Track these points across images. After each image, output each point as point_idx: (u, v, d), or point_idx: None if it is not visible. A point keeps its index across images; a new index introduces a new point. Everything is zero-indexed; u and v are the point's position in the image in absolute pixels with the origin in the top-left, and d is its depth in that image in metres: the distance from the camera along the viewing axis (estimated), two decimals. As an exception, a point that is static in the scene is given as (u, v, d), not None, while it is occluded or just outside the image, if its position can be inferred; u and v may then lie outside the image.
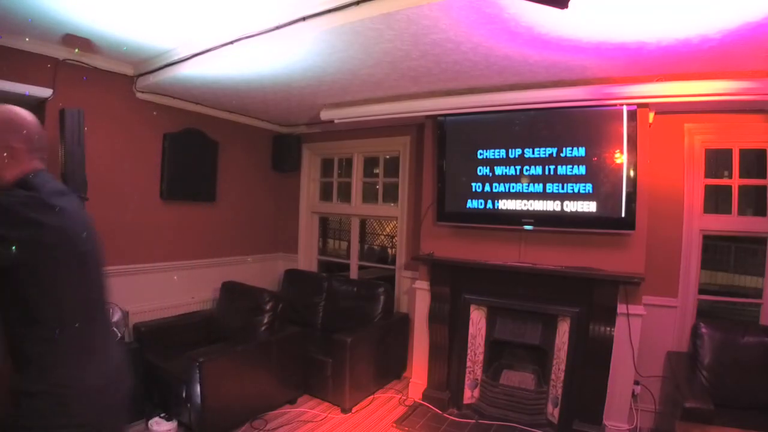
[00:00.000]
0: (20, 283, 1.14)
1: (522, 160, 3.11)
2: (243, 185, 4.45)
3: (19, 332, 1.15)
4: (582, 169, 2.91)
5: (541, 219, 3.03)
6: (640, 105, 2.74)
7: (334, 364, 3.28)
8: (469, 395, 3.38)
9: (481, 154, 3.24)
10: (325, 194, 4.98)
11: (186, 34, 2.60)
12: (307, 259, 4.91)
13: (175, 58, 2.85)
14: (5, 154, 1.23)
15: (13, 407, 1.13)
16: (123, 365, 1.45)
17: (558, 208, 2.98)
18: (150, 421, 2.75)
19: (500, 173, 3.18)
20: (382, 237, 7.40)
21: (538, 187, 3.05)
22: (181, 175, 3.71)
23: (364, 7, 1.98)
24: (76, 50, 2.89)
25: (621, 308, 2.85)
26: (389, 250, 6.75)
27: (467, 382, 3.38)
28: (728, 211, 3.04)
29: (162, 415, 2.80)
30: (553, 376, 3.11)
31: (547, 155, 3.02)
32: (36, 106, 3.03)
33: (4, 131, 1.24)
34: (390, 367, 3.86)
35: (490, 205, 3.21)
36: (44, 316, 1.17)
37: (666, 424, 2.81)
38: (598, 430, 2.84)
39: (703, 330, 2.82)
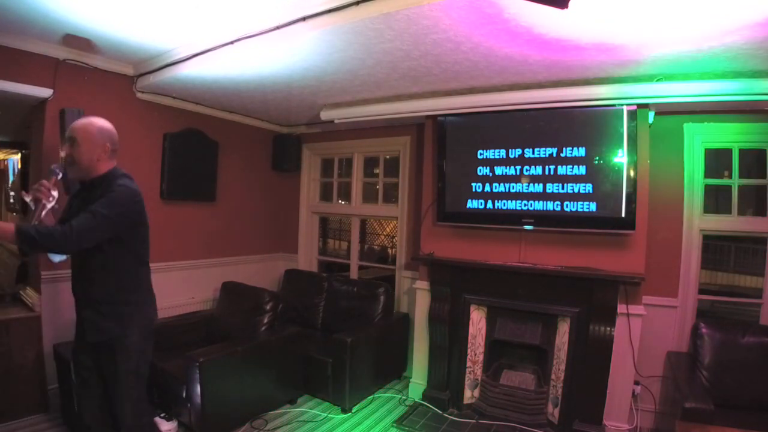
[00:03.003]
0: (134, 237, 1.92)
1: (522, 160, 3.10)
2: (243, 185, 4.45)
3: (125, 267, 1.91)
4: (582, 169, 2.91)
5: (542, 219, 3.03)
6: (640, 105, 2.74)
7: (334, 364, 3.27)
8: (469, 395, 3.38)
9: (481, 154, 3.24)
10: (325, 194, 4.98)
11: (186, 34, 2.60)
12: (307, 259, 4.91)
13: (175, 58, 2.85)
14: (103, 154, 1.88)
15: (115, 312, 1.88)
16: None
17: (558, 208, 2.98)
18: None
19: (500, 173, 3.18)
20: (382, 237, 7.40)
21: (538, 187, 3.04)
22: (181, 175, 3.71)
23: (364, 7, 1.98)
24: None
25: (621, 308, 2.85)
26: (389, 250, 6.75)
27: (467, 382, 3.38)
28: (728, 211, 3.04)
29: (162, 415, 2.80)
30: (553, 376, 3.11)
31: (547, 155, 3.02)
32: (36, 106, 3.04)
33: (102, 136, 1.89)
34: (390, 367, 3.86)
35: (490, 205, 3.21)
36: (142, 259, 1.98)
37: (666, 424, 2.81)
38: (598, 430, 2.84)
39: (703, 330, 2.82)
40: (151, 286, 2.06)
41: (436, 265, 3.43)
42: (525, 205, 3.09)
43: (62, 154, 1.87)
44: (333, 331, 3.55)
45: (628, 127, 2.76)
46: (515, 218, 3.11)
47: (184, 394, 2.71)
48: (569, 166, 2.94)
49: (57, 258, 2.02)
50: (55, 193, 1.80)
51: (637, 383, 3.00)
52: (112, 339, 1.87)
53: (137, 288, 1.96)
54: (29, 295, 3.11)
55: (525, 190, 3.09)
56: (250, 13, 2.27)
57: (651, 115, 2.86)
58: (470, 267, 3.27)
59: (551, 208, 3.00)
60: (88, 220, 1.72)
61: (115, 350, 1.87)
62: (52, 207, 1.81)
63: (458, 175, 3.34)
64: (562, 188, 2.97)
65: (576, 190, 2.92)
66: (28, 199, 1.80)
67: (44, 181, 1.79)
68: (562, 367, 3.04)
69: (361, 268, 4.70)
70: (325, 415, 3.21)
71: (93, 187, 1.88)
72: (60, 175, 1.84)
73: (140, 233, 1.95)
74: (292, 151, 4.72)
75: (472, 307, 3.36)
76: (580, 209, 2.91)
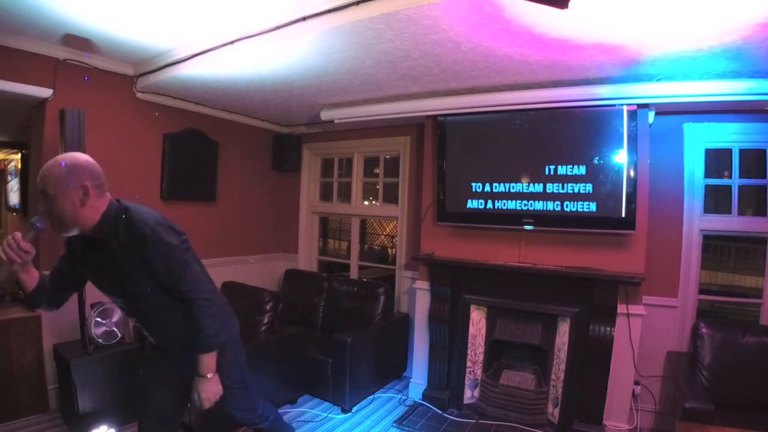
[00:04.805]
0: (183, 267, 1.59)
1: (522, 160, 3.11)
2: (243, 185, 4.45)
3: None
4: (582, 169, 2.91)
5: (542, 219, 3.02)
6: (640, 105, 2.74)
7: (334, 364, 3.27)
8: (470, 395, 3.38)
9: (481, 153, 3.24)
10: (325, 194, 4.98)
11: (186, 34, 2.60)
12: (307, 259, 4.91)
13: (176, 58, 2.85)
14: (85, 197, 1.47)
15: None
16: None
17: (558, 208, 2.98)
18: (150, 421, 2.75)
19: (501, 173, 3.18)
20: (382, 237, 7.39)
21: (538, 187, 3.04)
22: (181, 175, 3.71)
23: (364, 7, 1.98)
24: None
25: (621, 308, 2.85)
26: (389, 250, 6.75)
27: (467, 382, 3.38)
28: (728, 211, 3.04)
29: (162, 415, 2.80)
30: (553, 376, 3.11)
31: (547, 155, 3.02)
32: (36, 106, 3.04)
33: (76, 176, 1.46)
34: (390, 367, 3.86)
35: (490, 205, 3.21)
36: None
37: (666, 424, 2.81)
38: (598, 430, 2.83)
39: (704, 330, 2.82)
40: (223, 297, 1.88)
41: (436, 265, 3.43)
42: (525, 205, 3.09)
43: (40, 209, 1.47)
44: (333, 331, 3.55)
45: (628, 127, 2.76)
46: (515, 218, 3.11)
47: (184, 394, 2.71)
48: (569, 166, 2.94)
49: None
50: (30, 251, 1.46)
51: (637, 383, 3.00)
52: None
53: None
54: (29, 295, 3.11)
55: (525, 190, 3.09)
56: (250, 13, 2.27)
57: (651, 115, 2.86)
58: (470, 267, 3.27)
59: (551, 208, 3.00)
60: (180, 268, 1.54)
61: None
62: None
63: (458, 175, 3.34)
64: (562, 188, 2.96)
65: (576, 190, 2.92)
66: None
67: (18, 236, 1.43)
68: (562, 367, 3.04)
69: (361, 268, 4.70)
70: (325, 415, 3.21)
71: (100, 241, 1.53)
72: (42, 230, 1.47)
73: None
74: (292, 151, 4.72)
75: (472, 307, 3.36)
76: (580, 209, 2.91)
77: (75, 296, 2.78)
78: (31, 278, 1.57)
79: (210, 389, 1.65)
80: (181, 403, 1.83)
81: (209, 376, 1.64)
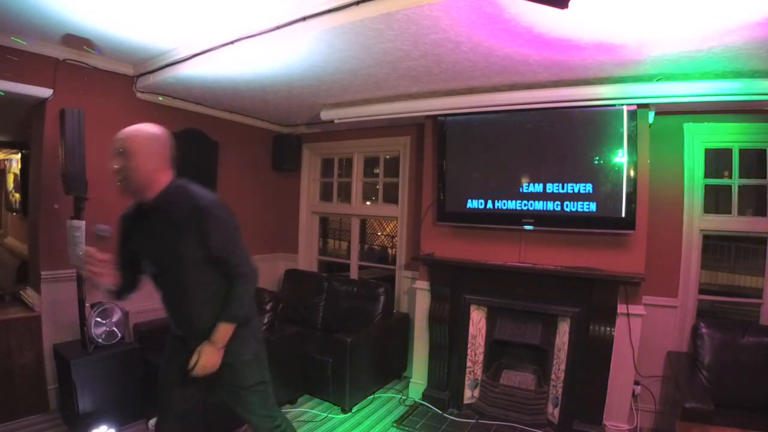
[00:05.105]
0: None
1: (522, 160, 3.11)
2: (243, 185, 4.45)
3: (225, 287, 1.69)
4: (582, 169, 2.91)
5: (542, 219, 3.02)
6: (640, 105, 2.74)
7: (334, 364, 3.27)
8: (469, 395, 3.38)
9: (481, 153, 3.24)
10: (325, 194, 4.98)
11: (186, 34, 2.60)
12: (307, 259, 4.91)
13: (175, 58, 2.84)
14: (161, 163, 1.65)
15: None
16: None
17: (558, 208, 2.98)
18: (150, 422, 2.75)
19: (501, 173, 3.18)
20: (382, 237, 7.40)
21: (538, 187, 3.04)
22: (181, 175, 3.68)
23: (364, 7, 1.98)
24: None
25: (621, 308, 2.85)
26: (389, 250, 6.76)
27: (467, 382, 3.38)
28: (728, 211, 3.04)
29: (162, 415, 2.80)
30: (553, 376, 3.11)
31: (547, 155, 3.01)
32: (36, 106, 3.04)
33: (158, 143, 1.68)
34: (390, 367, 3.86)
35: (490, 205, 3.21)
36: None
37: (666, 424, 2.81)
38: (598, 430, 2.84)
39: (704, 330, 2.82)
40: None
41: (436, 265, 3.43)
42: (525, 205, 3.09)
43: (114, 166, 1.59)
44: (333, 331, 3.55)
45: (628, 127, 2.76)
46: (515, 218, 3.11)
47: (184, 394, 2.71)
48: (569, 166, 2.94)
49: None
50: (109, 259, 1.61)
51: (637, 383, 3.00)
52: (231, 360, 1.72)
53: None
54: (29, 295, 3.11)
55: (525, 190, 3.09)
56: (249, 13, 2.27)
57: (651, 115, 2.86)
58: (470, 267, 3.27)
59: (551, 208, 3.00)
60: (234, 243, 1.64)
61: (235, 369, 1.74)
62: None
63: (458, 175, 3.34)
64: (563, 188, 2.96)
65: (576, 190, 2.92)
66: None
67: (91, 251, 1.57)
68: (562, 367, 3.04)
69: (361, 268, 4.69)
70: (325, 415, 3.21)
71: (158, 207, 1.63)
72: (108, 236, 1.63)
73: None
74: (292, 151, 4.72)
75: (472, 307, 3.36)
76: (580, 209, 2.91)
77: (75, 296, 2.79)
78: (115, 279, 1.68)
79: (211, 358, 1.64)
80: (200, 403, 1.84)
81: (218, 346, 1.65)
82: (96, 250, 1.59)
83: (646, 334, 2.93)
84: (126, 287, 1.76)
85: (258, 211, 4.67)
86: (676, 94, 2.57)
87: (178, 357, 1.74)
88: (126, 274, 1.74)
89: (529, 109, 3.01)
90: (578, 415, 2.91)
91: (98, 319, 2.82)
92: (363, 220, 4.91)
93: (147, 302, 3.48)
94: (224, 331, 1.65)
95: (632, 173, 2.77)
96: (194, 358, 1.64)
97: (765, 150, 2.95)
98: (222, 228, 1.62)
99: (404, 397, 3.57)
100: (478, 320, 3.39)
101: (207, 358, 1.63)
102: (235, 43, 2.50)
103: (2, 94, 2.65)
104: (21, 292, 3.28)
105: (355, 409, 3.33)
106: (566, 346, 3.03)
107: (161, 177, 1.64)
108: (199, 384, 1.75)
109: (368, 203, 4.79)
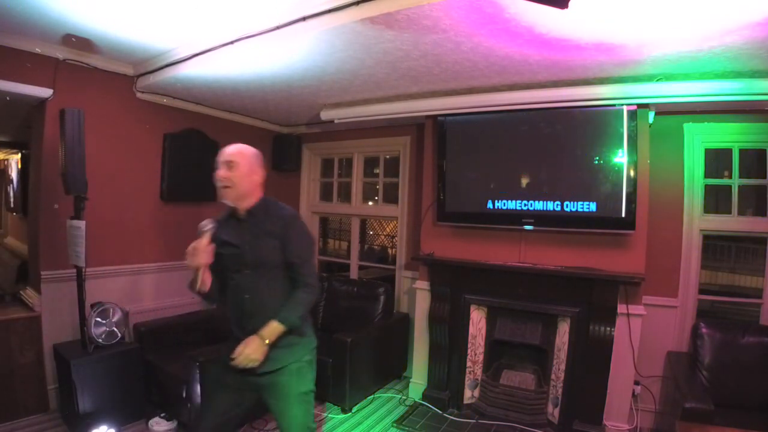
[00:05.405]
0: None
1: (522, 160, 3.10)
2: (243, 185, 4.44)
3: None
4: (582, 169, 2.91)
5: (542, 219, 3.02)
6: (640, 105, 2.74)
7: (333, 364, 3.27)
8: (469, 395, 3.38)
9: (481, 153, 3.24)
10: (325, 194, 4.98)
11: (186, 34, 2.60)
12: (307, 259, 4.90)
13: (175, 58, 2.84)
14: (260, 178, 1.91)
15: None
16: None
17: (558, 208, 2.98)
18: (150, 421, 2.75)
19: (501, 173, 3.18)
20: (382, 237, 7.40)
21: (538, 187, 3.04)
22: (181, 176, 3.70)
23: (364, 7, 1.98)
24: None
25: (621, 308, 2.85)
26: (389, 250, 6.76)
27: (467, 382, 3.38)
28: (728, 211, 3.04)
29: (162, 415, 2.80)
30: (553, 376, 3.11)
31: (547, 155, 3.01)
32: (36, 106, 3.04)
33: (259, 161, 1.92)
34: (390, 367, 3.86)
35: (490, 205, 3.21)
36: None
37: (666, 424, 2.81)
38: (598, 430, 2.84)
39: (704, 330, 2.82)
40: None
41: (436, 265, 3.43)
42: (525, 204, 3.09)
43: (220, 174, 1.87)
44: (333, 331, 3.55)
45: (628, 127, 2.76)
46: (515, 218, 3.11)
47: (184, 394, 2.71)
48: (570, 166, 2.94)
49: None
50: (211, 249, 1.79)
51: (637, 383, 3.00)
52: (285, 366, 1.80)
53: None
54: (29, 295, 3.11)
55: (525, 190, 3.09)
56: (249, 13, 2.27)
57: (651, 115, 2.86)
58: (470, 267, 3.26)
59: (551, 208, 3.00)
60: (308, 255, 1.85)
61: (288, 375, 1.80)
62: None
63: (458, 175, 3.34)
64: (562, 188, 2.96)
65: (576, 190, 2.92)
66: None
67: (199, 241, 1.76)
68: (562, 367, 3.04)
69: (361, 268, 4.69)
70: (325, 415, 3.21)
71: (255, 214, 1.86)
72: (213, 231, 1.81)
73: None
74: (292, 151, 4.71)
75: (472, 307, 3.36)
76: (580, 209, 2.91)
77: (75, 296, 2.79)
78: (210, 278, 1.82)
79: (257, 351, 1.70)
80: (239, 416, 1.94)
81: (267, 341, 1.72)
82: (202, 240, 1.78)
83: (646, 334, 2.93)
84: (215, 293, 1.87)
85: (258, 211, 4.66)
86: (676, 94, 2.57)
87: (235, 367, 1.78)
88: (215, 275, 1.84)
89: (529, 109, 3.01)
90: (578, 415, 2.91)
91: (98, 319, 2.82)
92: (363, 220, 4.91)
93: (147, 302, 3.50)
94: (274, 328, 1.73)
95: (632, 173, 2.77)
96: (239, 347, 1.72)
97: (765, 150, 2.95)
98: (301, 237, 1.85)
99: (404, 397, 3.57)
100: (478, 320, 3.39)
101: (252, 349, 1.70)
102: (235, 43, 2.50)
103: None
104: (21, 292, 3.28)
105: (355, 409, 3.33)
106: (566, 346, 3.03)
107: (258, 191, 1.90)
108: (246, 387, 1.82)
109: (369, 203, 4.79)
